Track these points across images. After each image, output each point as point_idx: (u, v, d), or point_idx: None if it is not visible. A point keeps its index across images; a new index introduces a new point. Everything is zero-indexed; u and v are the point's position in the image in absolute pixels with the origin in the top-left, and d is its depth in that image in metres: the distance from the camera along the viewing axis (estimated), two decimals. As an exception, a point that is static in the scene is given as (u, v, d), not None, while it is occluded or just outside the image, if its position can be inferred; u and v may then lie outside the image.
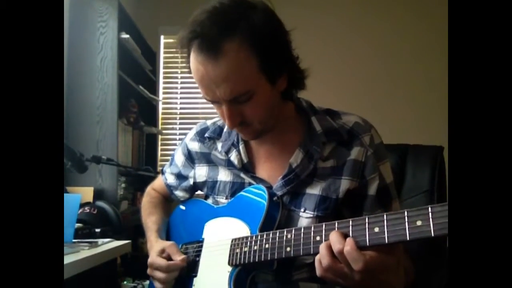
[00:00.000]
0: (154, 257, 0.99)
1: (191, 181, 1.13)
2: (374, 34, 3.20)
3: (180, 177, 1.16)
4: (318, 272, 0.74)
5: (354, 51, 3.18)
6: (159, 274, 0.98)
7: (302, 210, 0.94)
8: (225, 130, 1.06)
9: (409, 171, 1.27)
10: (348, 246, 0.70)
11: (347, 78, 3.02)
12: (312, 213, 0.92)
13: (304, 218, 0.93)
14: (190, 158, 1.12)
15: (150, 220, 1.16)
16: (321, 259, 0.73)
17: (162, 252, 1.00)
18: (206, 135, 1.09)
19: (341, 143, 0.95)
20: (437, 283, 1.12)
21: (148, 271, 1.01)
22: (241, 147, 1.02)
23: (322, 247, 0.73)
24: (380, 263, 0.70)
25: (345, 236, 0.73)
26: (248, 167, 1.01)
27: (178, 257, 0.97)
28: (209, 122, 1.12)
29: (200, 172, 1.10)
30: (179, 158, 1.16)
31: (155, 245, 1.03)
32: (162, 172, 1.23)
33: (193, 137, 1.12)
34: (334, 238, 0.72)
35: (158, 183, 1.26)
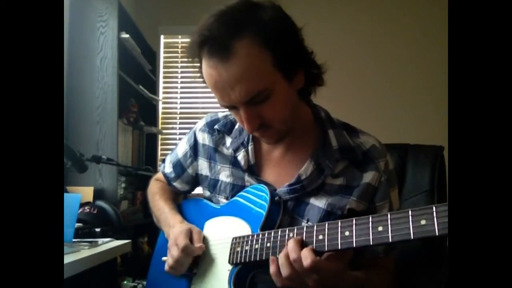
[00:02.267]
0: (177, 234, 0.96)
1: (190, 172, 1.11)
2: (373, 34, 3.20)
3: (178, 166, 1.13)
4: (277, 282, 0.80)
5: (353, 51, 3.18)
6: (175, 252, 0.95)
7: (305, 220, 0.93)
8: (236, 127, 1.04)
9: (409, 171, 1.27)
10: (306, 249, 0.76)
11: (347, 79, 3.02)
12: None
13: None
14: (195, 149, 1.10)
15: (169, 203, 1.12)
16: (282, 269, 0.78)
17: (188, 232, 0.97)
18: (216, 127, 1.06)
19: (354, 162, 0.94)
20: (437, 284, 1.11)
21: (169, 243, 0.98)
22: (250, 148, 1.00)
23: (282, 258, 0.78)
24: (328, 266, 0.76)
25: (301, 244, 0.78)
26: (253, 169, 1.00)
27: (197, 244, 0.95)
28: (220, 114, 1.09)
29: (203, 166, 1.08)
30: (182, 146, 1.13)
31: (181, 225, 1.00)
32: (163, 161, 1.21)
33: (202, 128, 1.09)
34: (292, 246, 0.77)
35: (160, 174, 1.23)
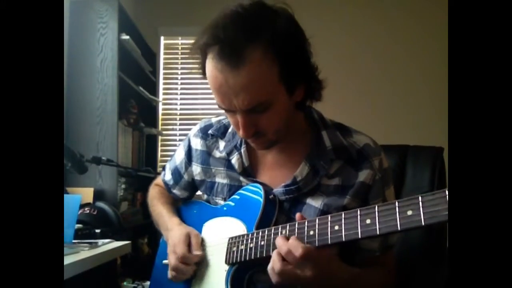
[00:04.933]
0: (176, 241, 0.97)
1: (186, 178, 1.12)
2: (373, 35, 3.20)
3: (175, 173, 1.14)
4: (273, 279, 0.80)
5: (353, 52, 3.18)
6: (173, 260, 0.96)
7: None
8: (229, 130, 1.04)
9: (409, 172, 1.27)
10: (291, 239, 0.77)
11: (347, 80, 3.02)
12: None
13: None
14: (189, 155, 1.10)
15: (166, 207, 1.13)
16: (273, 265, 0.78)
17: (187, 238, 0.97)
18: (210, 132, 1.06)
19: (349, 162, 0.94)
20: (437, 284, 1.11)
21: (168, 249, 0.99)
22: (243, 150, 1.00)
23: (274, 254, 0.79)
24: (320, 253, 0.76)
25: (288, 239, 0.79)
26: (249, 172, 1.00)
27: (196, 252, 0.95)
28: (214, 120, 1.10)
29: (197, 171, 1.08)
30: (179, 153, 1.14)
31: (179, 227, 1.01)
32: (164, 168, 1.21)
33: (196, 133, 1.10)
34: (279, 242, 0.79)
35: (159, 180, 1.24)
